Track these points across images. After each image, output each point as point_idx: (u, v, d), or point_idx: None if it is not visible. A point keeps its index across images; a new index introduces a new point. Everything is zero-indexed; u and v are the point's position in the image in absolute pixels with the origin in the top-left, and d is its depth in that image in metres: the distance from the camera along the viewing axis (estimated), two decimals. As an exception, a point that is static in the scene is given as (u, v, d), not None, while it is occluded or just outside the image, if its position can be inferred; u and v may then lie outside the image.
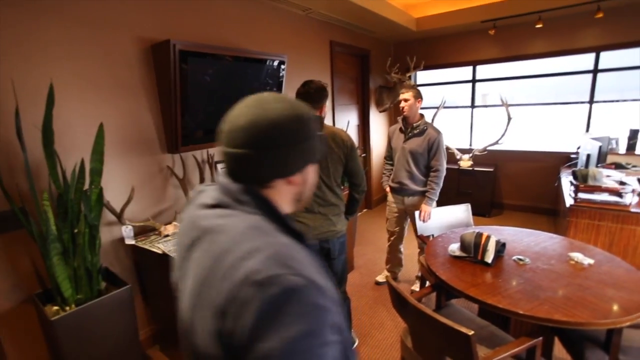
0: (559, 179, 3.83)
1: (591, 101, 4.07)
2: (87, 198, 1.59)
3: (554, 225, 4.09)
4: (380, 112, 4.83)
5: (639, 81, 3.75)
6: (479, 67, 4.64)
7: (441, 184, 2.55)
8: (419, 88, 2.63)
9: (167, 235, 1.97)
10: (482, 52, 4.45)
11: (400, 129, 2.65)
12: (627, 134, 3.83)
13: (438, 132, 2.51)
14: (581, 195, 2.61)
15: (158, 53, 2.00)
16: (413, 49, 4.84)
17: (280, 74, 2.71)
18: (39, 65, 1.63)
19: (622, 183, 2.61)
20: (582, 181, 2.67)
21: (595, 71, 3.97)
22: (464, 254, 1.83)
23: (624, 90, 3.88)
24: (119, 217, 1.82)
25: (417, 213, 2.58)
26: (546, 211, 4.49)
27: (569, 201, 2.66)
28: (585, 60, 4.03)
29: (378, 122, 4.89)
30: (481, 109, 4.81)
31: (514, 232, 2.16)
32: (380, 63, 4.71)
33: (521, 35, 4.12)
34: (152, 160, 2.14)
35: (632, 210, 2.39)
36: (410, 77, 4.63)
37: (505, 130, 4.10)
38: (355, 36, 4.12)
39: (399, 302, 1.61)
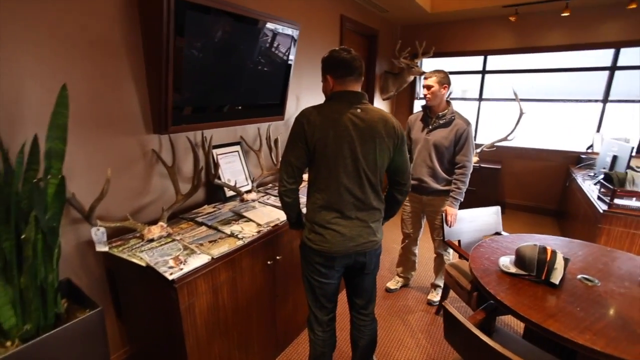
0: (571, 180, 3.65)
1: (605, 100, 3.89)
2: (41, 191, 1.13)
3: (559, 228, 3.92)
4: (384, 99, 4.47)
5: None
6: (489, 58, 4.36)
7: (467, 183, 2.23)
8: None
9: (151, 240, 1.52)
10: (496, 41, 4.15)
11: (422, 119, 2.30)
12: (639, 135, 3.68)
13: (467, 123, 2.18)
14: (617, 201, 2.38)
15: (147, 2, 1.53)
16: (421, 33, 4.48)
17: (293, 43, 2.28)
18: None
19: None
20: (619, 185, 2.44)
21: (613, 68, 3.77)
22: (522, 272, 1.52)
23: (634, 90, 3.71)
24: (88, 217, 1.36)
25: (443, 216, 2.27)
26: (550, 212, 4.32)
27: (601, 207, 2.43)
28: (596, 59, 3.82)
29: (380, 111, 4.53)
30: (486, 102, 4.54)
31: (562, 243, 1.88)
32: (386, 47, 4.32)
33: (542, 24, 3.85)
34: (134, 141, 1.67)
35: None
36: (418, 63, 4.28)
37: (516, 126, 3.84)
38: (365, 13, 3.70)
39: (454, 332, 1.29)
